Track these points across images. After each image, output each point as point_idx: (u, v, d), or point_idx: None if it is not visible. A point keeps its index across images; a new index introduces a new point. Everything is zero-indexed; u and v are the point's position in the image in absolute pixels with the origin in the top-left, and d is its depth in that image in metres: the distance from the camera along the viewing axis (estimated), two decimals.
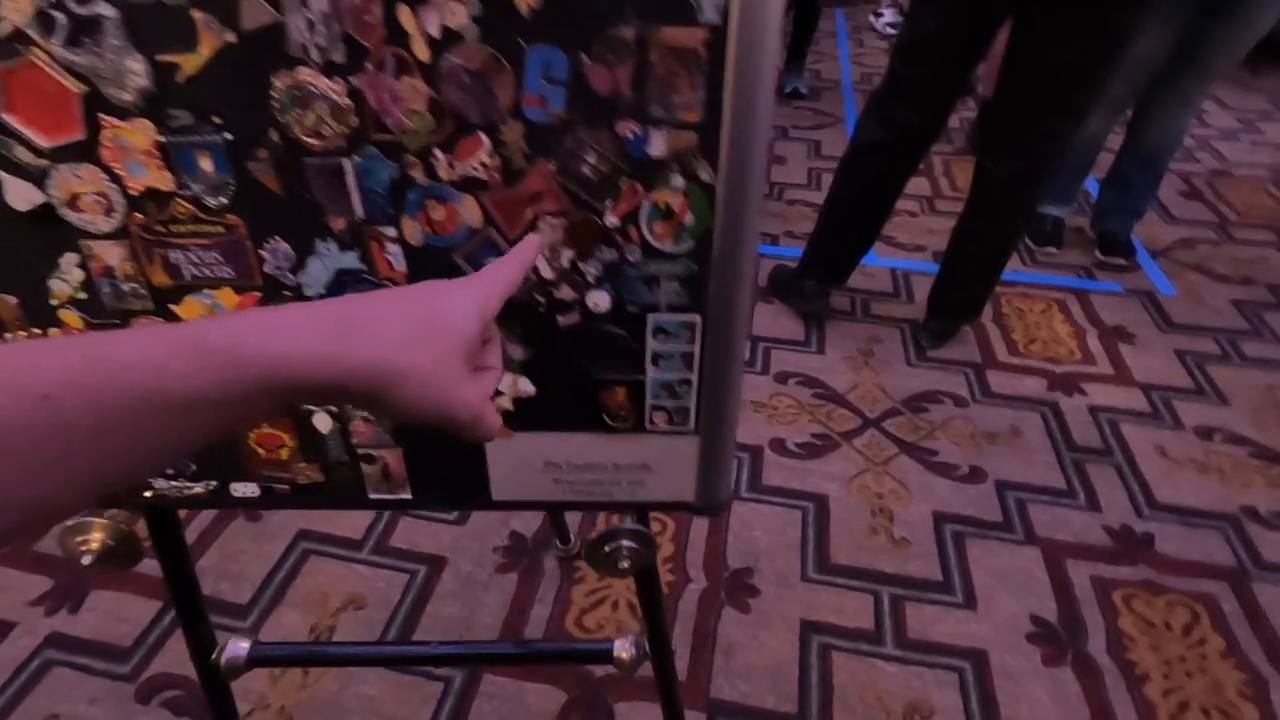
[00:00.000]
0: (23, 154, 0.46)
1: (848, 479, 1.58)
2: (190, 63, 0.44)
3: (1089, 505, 1.53)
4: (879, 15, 4.27)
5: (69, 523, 0.60)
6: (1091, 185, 2.57)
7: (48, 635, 1.24)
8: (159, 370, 0.25)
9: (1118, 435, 1.70)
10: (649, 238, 0.49)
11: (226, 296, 0.52)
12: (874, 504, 1.52)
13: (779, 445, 1.65)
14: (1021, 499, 1.54)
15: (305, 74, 0.44)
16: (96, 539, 0.60)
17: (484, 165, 0.47)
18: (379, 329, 0.31)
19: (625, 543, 0.62)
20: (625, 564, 0.62)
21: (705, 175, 0.47)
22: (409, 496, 0.62)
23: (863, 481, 1.57)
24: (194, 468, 0.61)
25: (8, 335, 0.53)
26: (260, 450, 0.60)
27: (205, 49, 0.43)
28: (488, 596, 1.32)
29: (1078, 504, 1.53)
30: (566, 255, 0.50)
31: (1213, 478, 1.60)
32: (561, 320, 0.53)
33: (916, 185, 2.76)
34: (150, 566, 0.76)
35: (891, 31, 4.31)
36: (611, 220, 0.49)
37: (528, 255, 0.43)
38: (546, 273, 0.51)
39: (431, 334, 0.33)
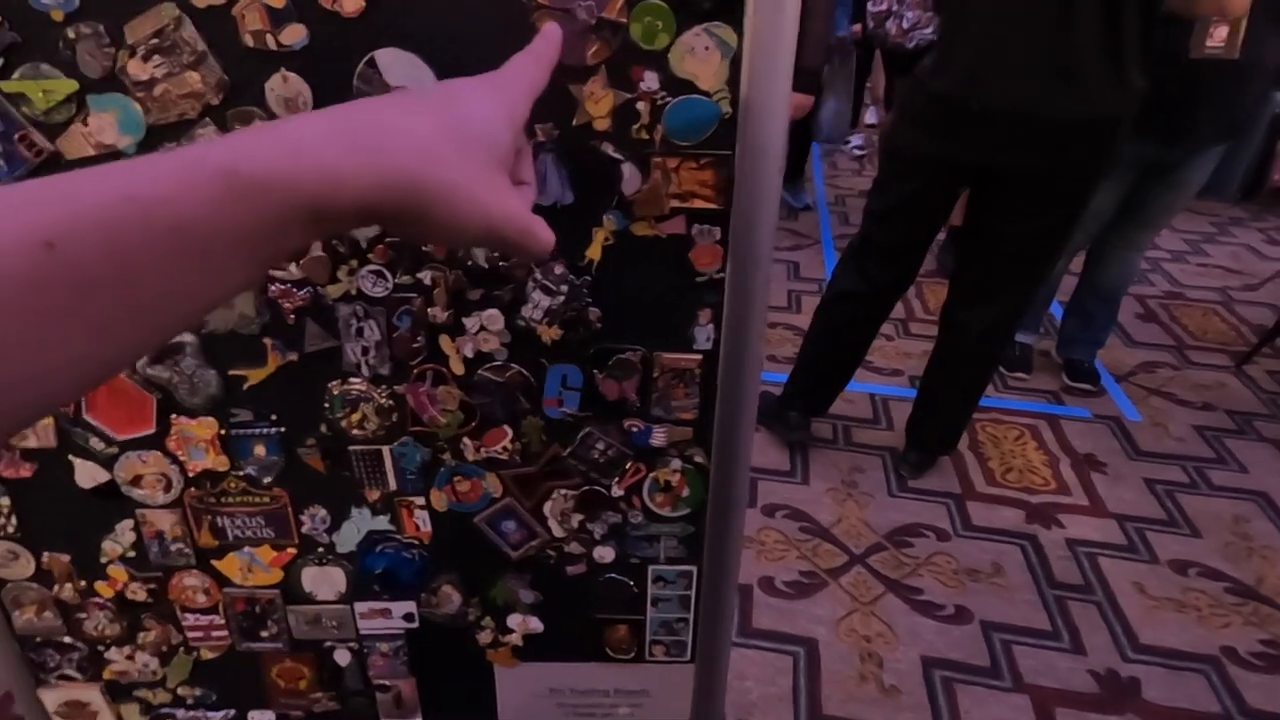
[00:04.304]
0: (96, 444, 0.52)
1: (836, 621, 1.60)
2: (257, 375, 0.51)
3: (1073, 647, 1.55)
4: (847, 141, 4.60)
5: None
6: (1056, 309, 2.73)
7: None
8: (172, 203, 0.22)
9: (1096, 571, 1.75)
10: (650, 505, 0.56)
11: (264, 553, 0.57)
12: (862, 648, 1.54)
13: (768, 584, 1.67)
14: (1007, 640, 1.56)
15: (355, 383, 0.51)
16: None
17: (506, 449, 0.54)
18: (405, 138, 0.27)
19: None
20: None
21: (700, 459, 0.54)
22: None
23: (851, 624, 1.59)
24: (214, 698, 0.64)
25: (57, 586, 0.58)
26: (280, 681, 0.63)
27: (271, 364, 0.50)
28: None
29: (1062, 645, 1.56)
30: (576, 518, 0.56)
31: (1191, 616, 1.64)
32: (570, 570, 0.59)
33: None
34: None
35: (860, 153, 4.64)
36: (616, 491, 0.55)
37: (550, 50, 0.37)
38: (557, 531, 0.57)
39: (463, 141, 0.29)
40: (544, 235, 0.32)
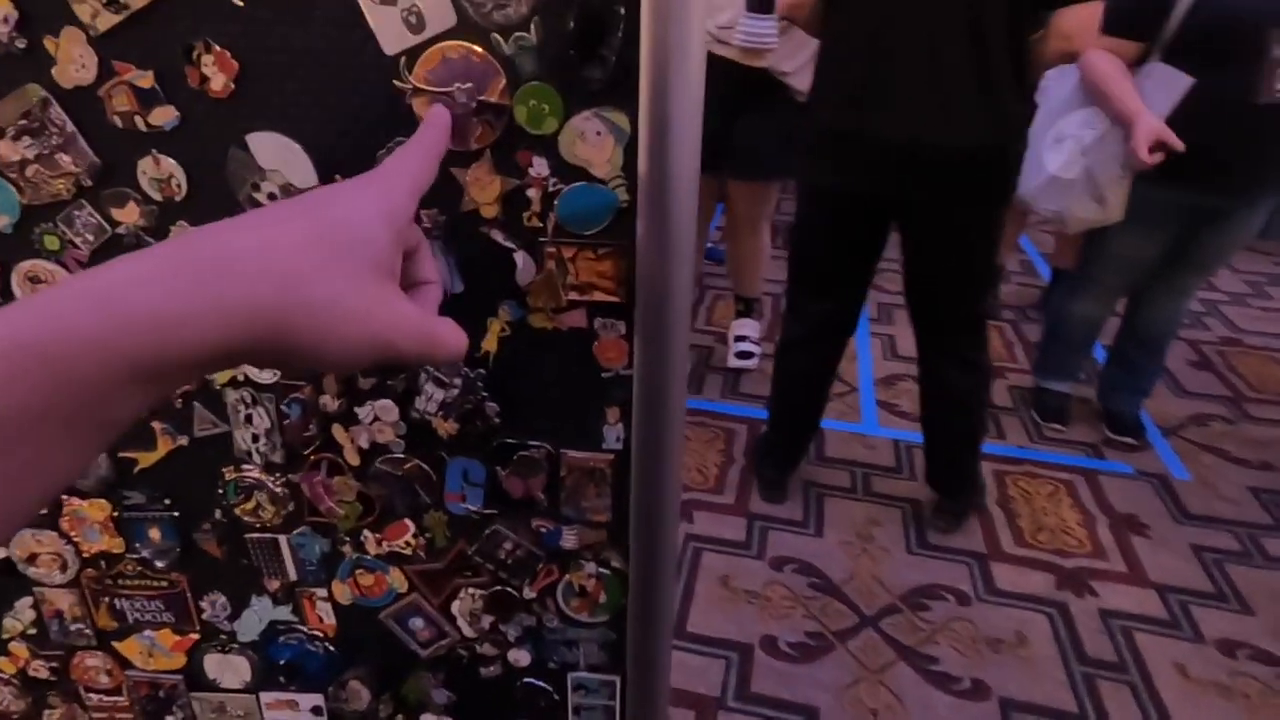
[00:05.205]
0: None
1: (841, 689, 1.50)
2: (147, 458, 0.48)
3: None
4: None
5: None
6: (1099, 352, 2.57)
7: None
8: None
9: (1132, 647, 1.61)
10: (566, 610, 0.51)
11: (165, 637, 0.55)
12: None
13: (770, 644, 1.59)
14: None
15: (249, 470, 0.48)
16: None
17: (409, 544, 0.50)
18: (254, 262, 0.24)
19: None
20: None
21: (617, 563, 0.49)
22: None
23: (856, 693, 1.49)
24: None
25: None
26: None
27: (161, 448, 0.48)
28: None
29: None
30: (487, 619, 0.52)
31: (1239, 705, 1.49)
32: (484, 672, 0.54)
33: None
34: None
35: None
36: (529, 593, 0.51)
37: (437, 138, 0.33)
38: (468, 632, 0.53)
39: (334, 250, 0.25)
40: (451, 339, 0.29)
